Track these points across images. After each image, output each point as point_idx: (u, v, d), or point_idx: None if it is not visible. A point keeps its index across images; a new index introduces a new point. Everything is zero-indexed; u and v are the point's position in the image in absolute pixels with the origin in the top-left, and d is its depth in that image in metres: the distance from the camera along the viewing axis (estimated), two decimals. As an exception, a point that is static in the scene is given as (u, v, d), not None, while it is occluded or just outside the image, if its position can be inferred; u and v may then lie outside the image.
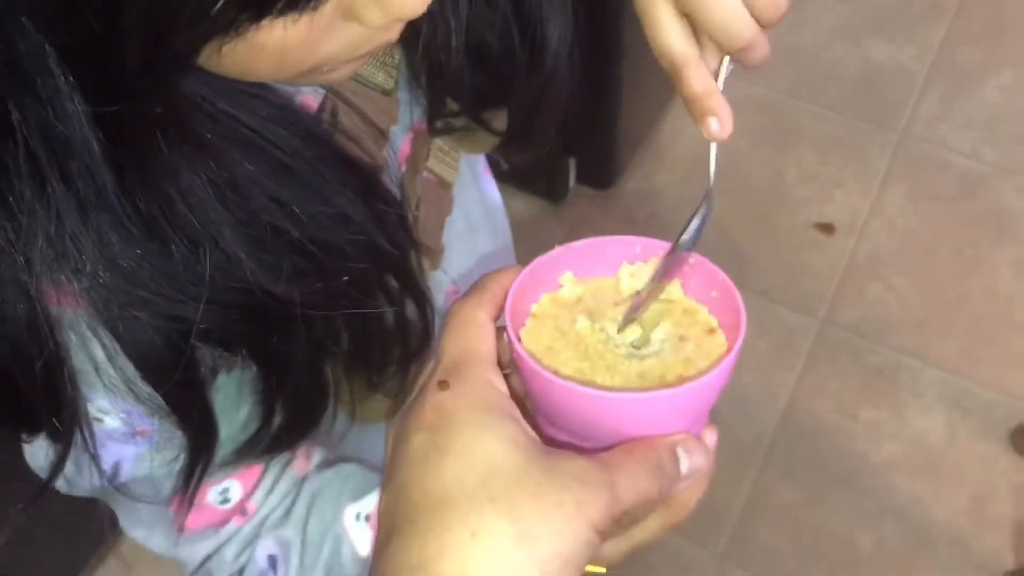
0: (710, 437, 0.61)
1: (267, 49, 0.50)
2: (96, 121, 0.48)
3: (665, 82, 0.67)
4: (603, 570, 0.57)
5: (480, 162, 0.98)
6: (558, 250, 0.63)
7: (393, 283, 0.70)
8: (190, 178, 0.53)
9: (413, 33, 0.73)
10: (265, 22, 0.48)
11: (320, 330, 0.67)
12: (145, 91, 0.48)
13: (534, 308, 0.63)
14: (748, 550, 2.19)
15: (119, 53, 0.45)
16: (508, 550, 0.49)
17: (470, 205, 0.95)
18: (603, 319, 0.62)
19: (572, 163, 2.64)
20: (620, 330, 0.61)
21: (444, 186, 0.87)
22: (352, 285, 0.65)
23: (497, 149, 0.87)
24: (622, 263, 0.65)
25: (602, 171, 2.67)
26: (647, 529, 0.61)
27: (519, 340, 0.59)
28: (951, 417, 2.33)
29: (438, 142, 0.84)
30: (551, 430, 0.61)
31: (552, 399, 0.58)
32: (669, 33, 0.65)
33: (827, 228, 2.64)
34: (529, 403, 0.62)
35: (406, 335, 0.73)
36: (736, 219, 2.61)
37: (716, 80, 0.66)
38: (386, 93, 0.76)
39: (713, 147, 0.66)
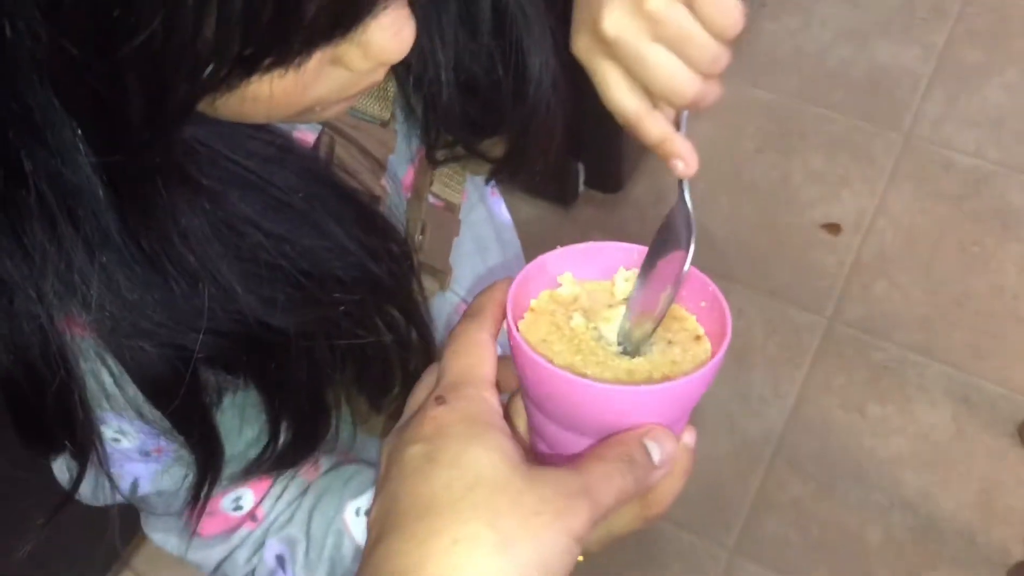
0: (688, 436, 0.63)
1: (258, 99, 0.53)
2: (101, 169, 0.50)
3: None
4: (580, 558, 0.59)
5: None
6: (560, 250, 0.66)
7: (393, 311, 0.72)
8: (189, 219, 0.55)
9: (405, 68, 0.75)
10: (254, 78, 0.51)
11: (320, 357, 0.68)
12: (146, 142, 0.50)
13: (533, 303, 0.65)
14: (758, 544, 2.19)
15: (121, 110, 0.48)
16: (488, 557, 0.51)
17: (479, 225, 0.96)
18: (597, 319, 0.64)
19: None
20: (622, 342, 0.63)
21: (451, 209, 0.88)
22: (349, 315, 0.66)
23: (496, 174, 0.88)
24: (619, 268, 0.67)
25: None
26: (622, 518, 0.63)
27: (517, 330, 0.61)
28: (958, 412, 2.32)
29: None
30: (539, 418, 0.63)
31: (542, 386, 0.59)
32: (618, 92, 0.67)
33: (834, 228, 2.63)
34: (522, 395, 0.65)
35: (407, 361, 0.74)
36: (744, 220, 2.62)
37: (678, 125, 0.68)
38: (383, 124, 0.78)
39: (685, 182, 0.68)
